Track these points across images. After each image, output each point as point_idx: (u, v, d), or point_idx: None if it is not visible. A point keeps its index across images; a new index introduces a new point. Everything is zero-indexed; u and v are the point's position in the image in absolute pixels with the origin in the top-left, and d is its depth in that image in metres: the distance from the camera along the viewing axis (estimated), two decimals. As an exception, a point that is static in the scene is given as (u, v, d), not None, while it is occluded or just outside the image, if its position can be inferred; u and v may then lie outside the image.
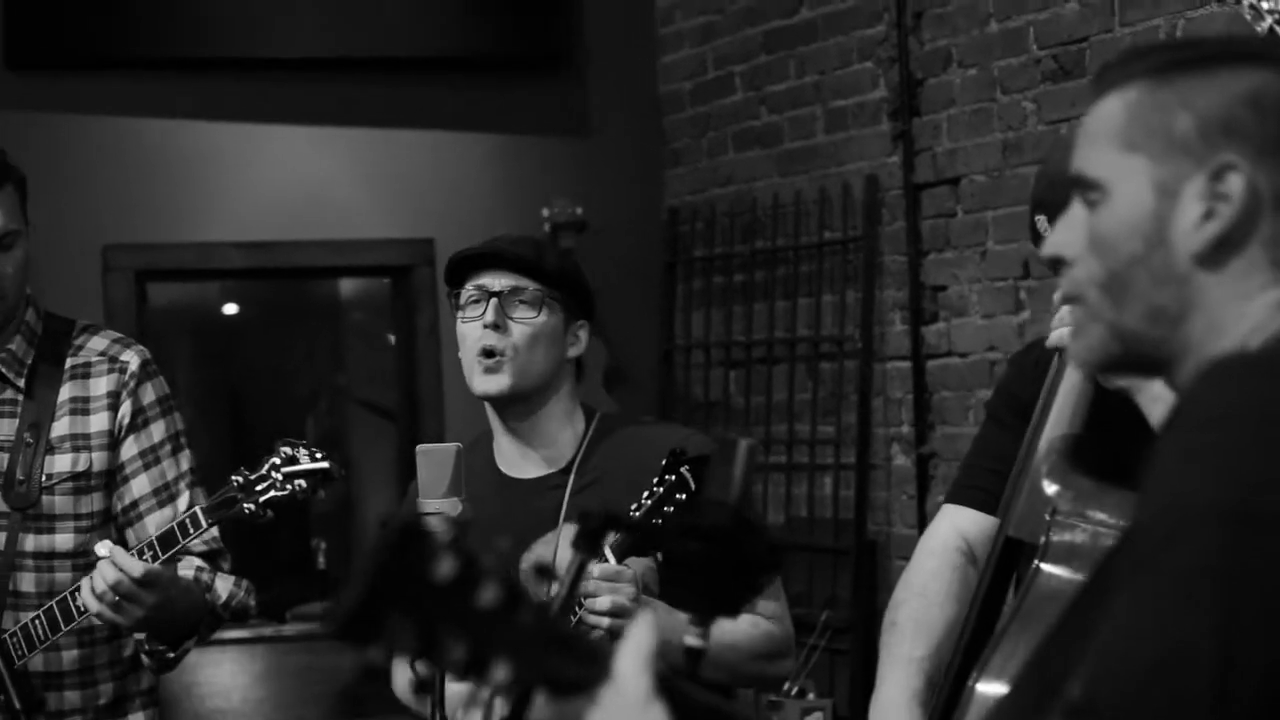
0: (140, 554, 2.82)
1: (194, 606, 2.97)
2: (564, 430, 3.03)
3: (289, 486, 2.86)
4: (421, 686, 1.43)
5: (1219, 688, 1.26)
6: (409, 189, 5.78)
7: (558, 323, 3.00)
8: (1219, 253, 1.47)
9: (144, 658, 3.04)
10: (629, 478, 2.82)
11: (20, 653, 2.88)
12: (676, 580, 1.82)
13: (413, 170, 5.79)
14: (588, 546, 1.88)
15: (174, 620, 2.93)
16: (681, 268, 5.92)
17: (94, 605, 2.80)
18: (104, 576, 2.78)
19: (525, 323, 2.96)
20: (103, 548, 2.83)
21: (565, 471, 3.00)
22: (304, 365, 6.99)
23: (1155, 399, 2.13)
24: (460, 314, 3.02)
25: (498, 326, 2.95)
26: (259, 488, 2.85)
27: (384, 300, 6.38)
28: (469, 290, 3.00)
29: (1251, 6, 2.05)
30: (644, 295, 5.94)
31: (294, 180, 5.67)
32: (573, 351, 3.05)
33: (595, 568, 2.70)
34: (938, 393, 4.94)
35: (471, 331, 2.98)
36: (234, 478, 2.87)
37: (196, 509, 2.87)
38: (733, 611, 1.83)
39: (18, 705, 2.68)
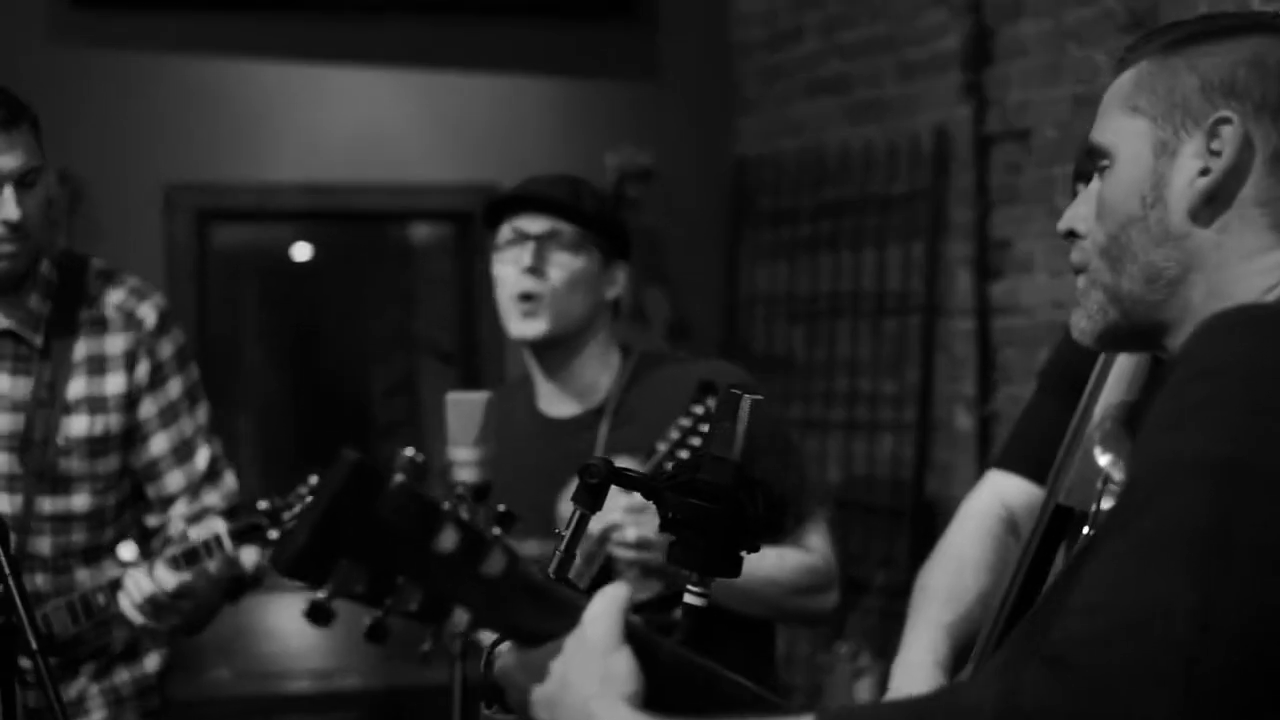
0: (175, 561, 2.87)
1: (222, 588, 3.01)
2: (601, 371, 3.02)
3: None
4: (373, 634, 1.38)
5: (1194, 645, 1.22)
6: (475, 133, 5.73)
7: (595, 265, 2.98)
8: (1212, 207, 1.48)
9: None
10: (665, 414, 2.79)
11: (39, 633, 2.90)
12: (677, 538, 1.77)
13: (479, 114, 5.73)
14: (588, 502, 1.83)
15: (202, 611, 3.01)
16: (749, 218, 5.83)
17: (136, 618, 2.88)
18: (140, 590, 2.86)
19: (563, 266, 2.94)
20: (126, 551, 2.88)
21: (600, 410, 2.98)
22: (374, 308, 6.97)
23: None
24: (497, 256, 2.99)
25: (535, 270, 2.93)
26: (284, 516, 2.88)
27: (452, 244, 6.35)
28: (506, 232, 2.98)
29: None
30: (710, 246, 5.87)
31: (359, 122, 5.64)
32: (610, 293, 3.03)
33: (623, 498, 2.67)
34: (1002, 350, 4.83)
35: (509, 274, 2.96)
36: (261, 503, 2.92)
37: (221, 532, 2.89)
38: (734, 571, 1.77)
39: (34, 646, 2.67)
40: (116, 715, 3.10)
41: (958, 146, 4.96)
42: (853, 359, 5.35)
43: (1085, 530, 2.22)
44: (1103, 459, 2.26)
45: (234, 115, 5.53)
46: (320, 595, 1.34)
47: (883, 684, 4.79)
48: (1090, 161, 1.59)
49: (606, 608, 1.45)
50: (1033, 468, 2.51)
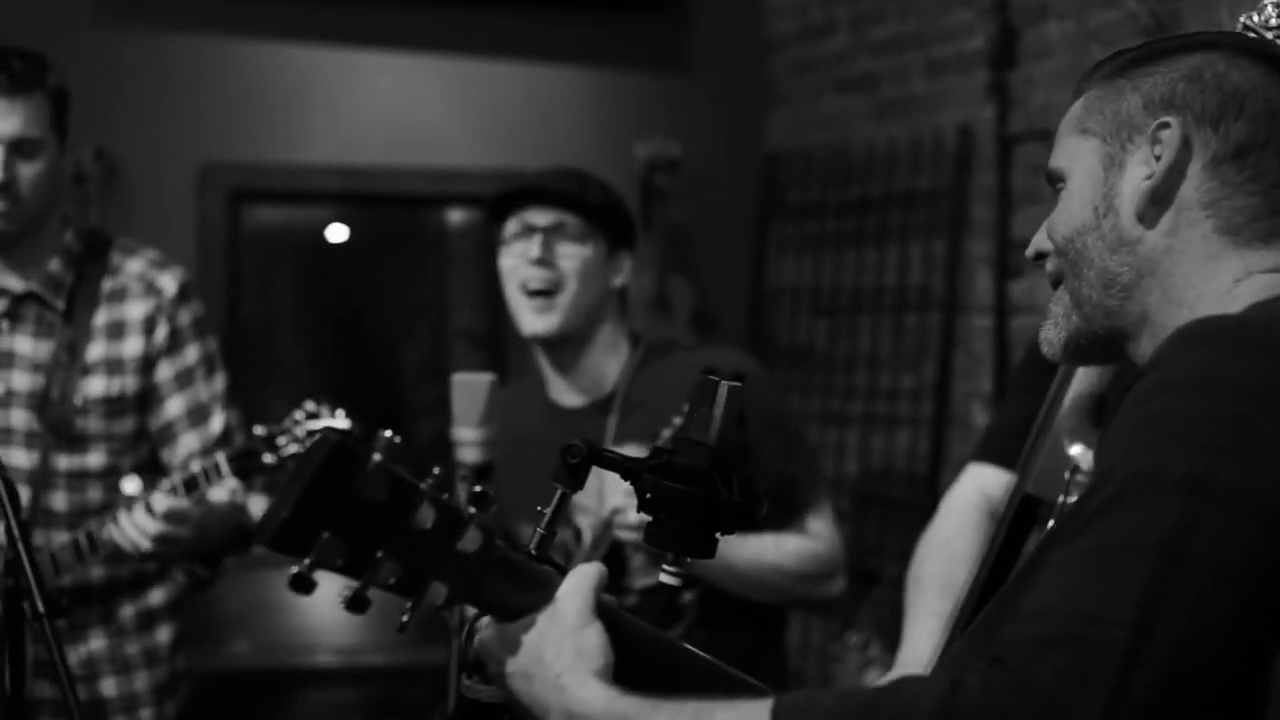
0: (174, 490, 2.90)
1: (227, 528, 3.06)
2: (609, 360, 3.05)
3: (309, 442, 2.92)
4: (352, 605, 1.44)
5: (1131, 653, 1.25)
6: (508, 120, 5.78)
7: (602, 255, 3.02)
8: (1158, 207, 1.55)
9: (181, 575, 3.15)
10: (672, 403, 2.82)
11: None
12: (653, 519, 1.82)
13: (512, 102, 5.78)
14: (569, 481, 1.88)
15: (209, 544, 3.04)
16: (777, 212, 5.88)
17: (129, 548, 2.91)
18: (134, 520, 2.89)
19: (572, 257, 2.97)
20: (130, 484, 2.92)
21: (610, 400, 3.02)
22: (408, 291, 7.03)
23: None
24: (504, 249, 3.03)
25: (544, 261, 2.97)
26: (279, 440, 2.92)
27: (483, 229, 6.38)
28: (513, 225, 3.02)
29: (1246, 27, 2.08)
30: (737, 238, 5.91)
31: (393, 106, 5.70)
32: (617, 281, 3.07)
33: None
34: (1019, 349, 4.85)
35: (516, 266, 3.00)
36: (256, 429, 2.94)
37: (218, 457, 2.93)
38: (709, 553, 1.82)
39: (41, 609, 2.74)
40: (126, 685, 3.16)
41: (981, 145, 4.99)
42: (873, 353, 5.38)
43: (1051, 523, 2.26)
44: (1073, 449, 2.29)
45: (269, 97, 5.59)
46: (302, 566, 1.41)
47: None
48: (1050, 186, 1.68)
49: (579, 585, 1.51)
50: (1009, 458, 2.54)
